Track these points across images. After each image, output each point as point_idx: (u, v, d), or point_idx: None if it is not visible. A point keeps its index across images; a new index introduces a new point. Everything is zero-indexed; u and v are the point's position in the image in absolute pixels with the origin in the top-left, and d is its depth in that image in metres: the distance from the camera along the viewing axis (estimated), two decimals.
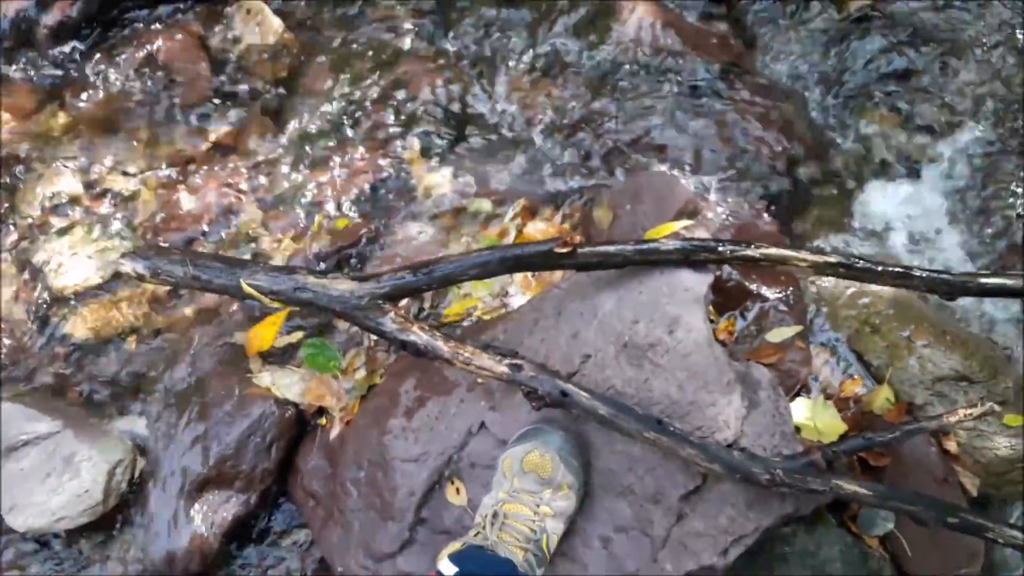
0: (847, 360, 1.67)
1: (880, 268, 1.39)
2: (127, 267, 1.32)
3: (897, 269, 1.39)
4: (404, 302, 1.61)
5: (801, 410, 1.57)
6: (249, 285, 1.30)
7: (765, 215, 1.77)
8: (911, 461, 1.56)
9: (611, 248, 1.33)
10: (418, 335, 1.28)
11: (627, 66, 1.90)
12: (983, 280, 1.37)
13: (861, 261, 1.38)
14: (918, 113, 1.90)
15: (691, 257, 1.35)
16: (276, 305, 1.31)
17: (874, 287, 1.67)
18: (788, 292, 1.67)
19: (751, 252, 1.35)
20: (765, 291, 1.67)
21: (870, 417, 1.61)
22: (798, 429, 1.52)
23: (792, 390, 1.60)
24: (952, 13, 2.00)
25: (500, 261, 1.30)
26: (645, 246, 1.34)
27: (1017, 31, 1.97)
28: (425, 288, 1.31)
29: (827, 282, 1.72)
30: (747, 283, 1.67)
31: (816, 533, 1.55)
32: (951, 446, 1.57)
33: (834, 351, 1.67)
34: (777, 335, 1.62)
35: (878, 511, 1.59)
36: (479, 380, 1.44)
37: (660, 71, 1.89)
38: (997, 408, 1.25)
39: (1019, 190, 1.79)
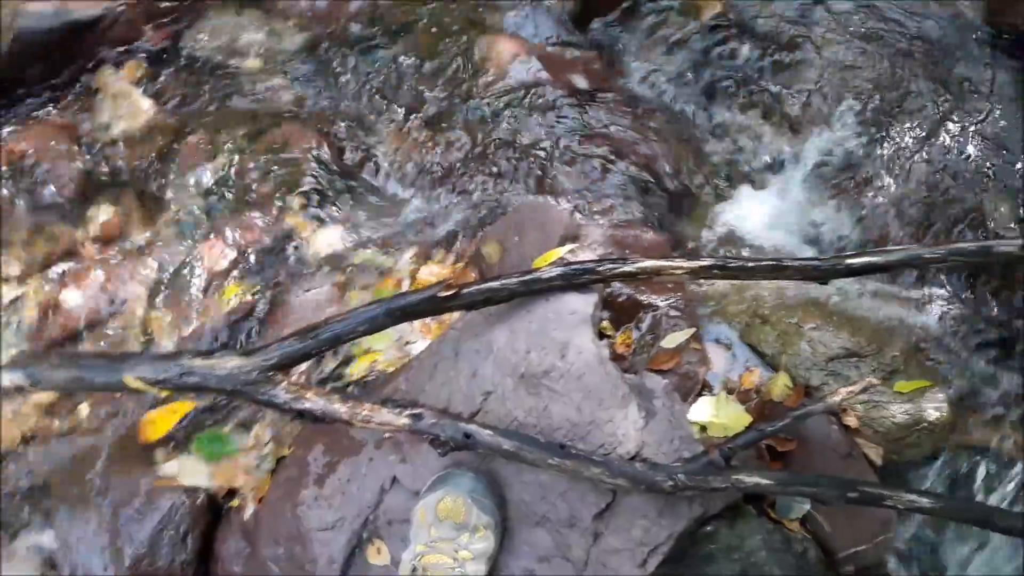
0: (742, 354, 1.73)
1: (752, 264, 1.46)
2: (7, 380, 1.28)
3: (769, 263, 1.46)
4: (304, 367, 1.60)
5: (706, 408, 1.61)
6: (135, 379, 1.27)
7: (647, 228, 1.83)
8: (816, 441, 1.62)
9: (495, 284, 1.36)
10: (313, 401, 1.28)
11: (499, 101, 1.95)
12: (850, 261, 1.45)
13: (734, 260, 1.45)
14: (779, 111, 2.00)
15: (573, 281, 1.39)
16: (164, 394, 1.29)
17: (757, 281, 1.75)
18: (678, 298, 1.73)
19: (628, 268, 1.40)
20: (656, 300, 1.72)
21: (772, 404, 1.67)
22: (704, 428, 1.57)
23: (693, 391, 1.65)
24: (801, 15, 2.11)
25: (387, 314, 1.31)
26: (528, 277, 1.37)
27: (857, 26, 2.10)
28: (316, 352, 1.31)
29: (714, 282, 1.78)
30: (638, 296, 1.72)
31: (737, 527, 1.58)
32: (851, 421, 1.64)
33: (729, 347, 1.73)
34: (672, 340, 1.68)
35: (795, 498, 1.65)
36: (386, 435, 1.44)
37: (531, 102, 1.95)
38: (876, 382, 1.32)
39: (876, 173, 1.90)
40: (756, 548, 1.57)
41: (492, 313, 1.42)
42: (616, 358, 1.69)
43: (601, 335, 1.71)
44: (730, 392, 1.68)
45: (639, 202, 1.88)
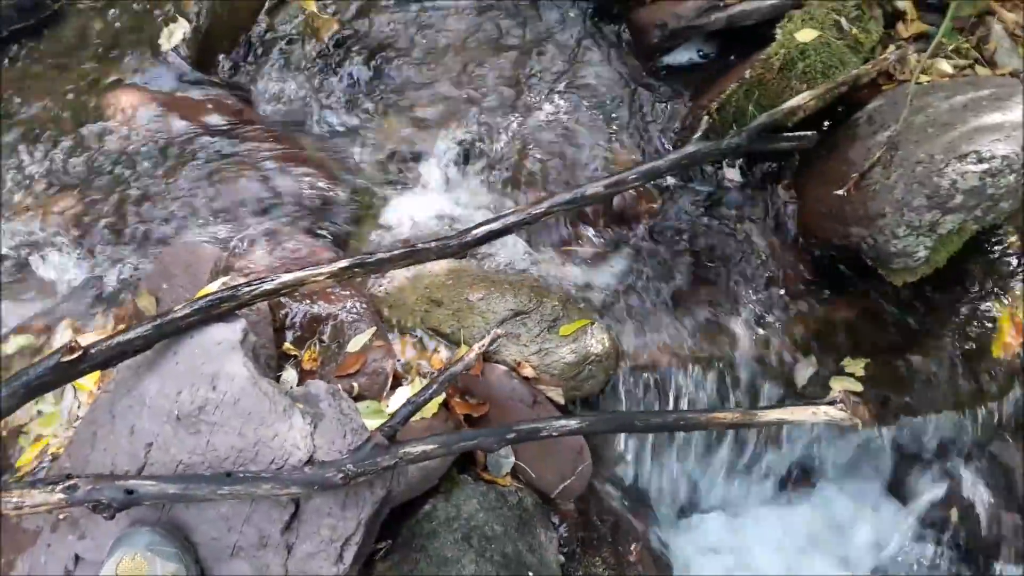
0: (427, 339, 1.83)
1: (389, 255, 1.56)
2: None
3: (405, 250, 1.57)
4: None
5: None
6: None
7: (317, 245, 1.89)
8: (503, 398, 1.75)
9: (127, 335, 1.34)
10: None
11: (132, 152, 1.93)
12: (474, 231, 1.60)
13: (371, 256, 1.54)
14: (412, 110, 2.15)
15: (211, 312, 1.41)
16: None
17: (427, 269, 1.86)
18: (355, 303, 1.80)
19: (267, 286, 1.44)
20: (334, 310, 1.78)
21: (466, 378, 1.78)
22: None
23: (386, 384, 1.72)
24: (412, 21, 2.27)
25: (10, 396, 1.26)
26: (159, 320, 1.37)
27: (465, 24, 2.29)
28: None
29: (390, 281, 1.87)
30: (315, 310, 1.77)
31: (453, 497, 1.68)
32: (528, 372, 1.78)
33: (413, 335, 1.83)
34: (355, 344, 1.74)
35: (499, 455, 1.77)
36: (60, 517, 1.38)
37: (167, 147, 1.95)
38: (501, 332, 1.46)
39: (501, 149, 2.09)
40: (474, 512, 1.67)
41: (140, 364, 1.41)
42: (306, 373, 1.73)
43: (286, 355, 1.74)
44: (423, 376, 1.78)
45: (305, 221, 1.94)
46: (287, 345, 1.75)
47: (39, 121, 2.02)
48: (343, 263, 1.52)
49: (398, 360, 1.78)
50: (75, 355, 1.28)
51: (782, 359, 1.80)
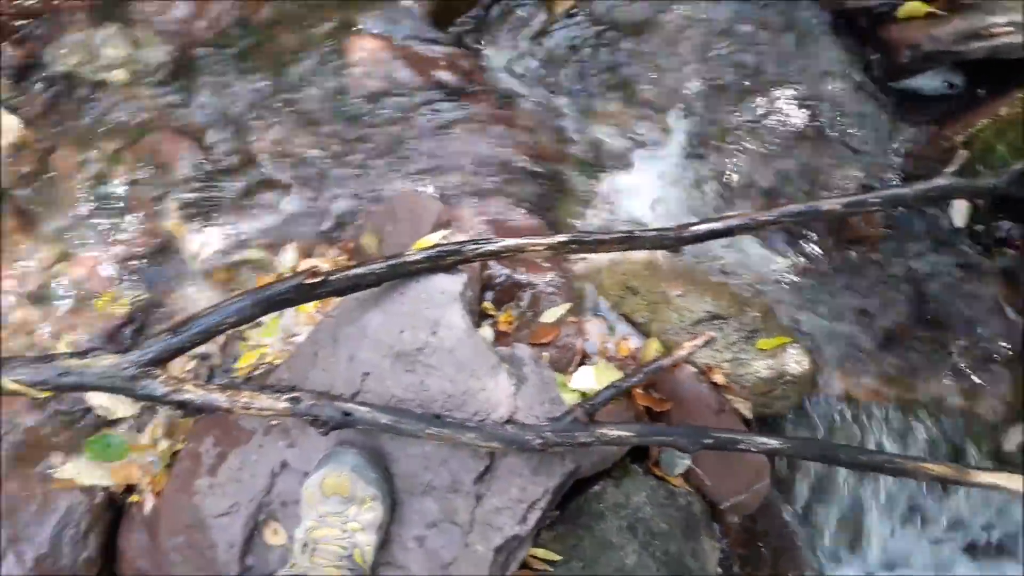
0: (617, 324, 1.84)
1: (607, 237, 1.56)
2: None
3: (621, 235, 1.57)
4: (192, 366, 1.63)
5: (587, 377, 1.71)
6: (12, 382, 1.29)
7: (520, 212, 1.93)
8: (689, 401, 1.73)
9: (362, 269, 1.42)
10: (192, 392, 1.32)
11: (367, 97, 2.02)
12: (694, 228, 1.57)
13: (588, 235, 1.55)
14: (636, 95, 2.14)
15: (439, 263, 1.47)
16: (45, 395, 1.31)
17: (627, 255, 1.86)
18: (554, 276, 1.83)
19: (491, 247, 1.49)
20: (534, 279, 1.82)
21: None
22: (585, 395, 1.67)
23: (573, 361, 1.75)
24: (648, 5, 2.26)
25: (255, 304, 1.36)
26: (394, 261, 1.44)
27: (703, 14, 2.25)
28: (190, 345, 1.35)
29: (588, 259, 1.89)
30: (517, 276, 1.82)
31: (624, 485, 1.69)
32: (719, 378, 1.76)
33: (604, 318, 1.84)
34: (551, 315, 1.77)
35: (675, 453, 1.76)
36: (272, 423, 1.49)
37: (398, 97, 2.03)
38: (714, 335, 1.44)
39: (727, 147, 2.05)
40: (642, 504, 1.68)
41: (366, 298, 1.49)
42: (500, 335, 1.78)
43: (483, 315, 1.80)
44: (608, 360, 1.79)
45: (511, 187, 1.98)
46: (486, 304, 1.80)
47: (287, 54, 2.15)
48: (562, 237, 1.54)
49: (587, 339, 1.80)
50: (316, 279, 1.37)
51: (992, 419, 1.69)
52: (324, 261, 1.80)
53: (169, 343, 1.32)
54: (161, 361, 1.33)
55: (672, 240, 1.57)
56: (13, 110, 2.00)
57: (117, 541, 1.58)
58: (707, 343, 1.45)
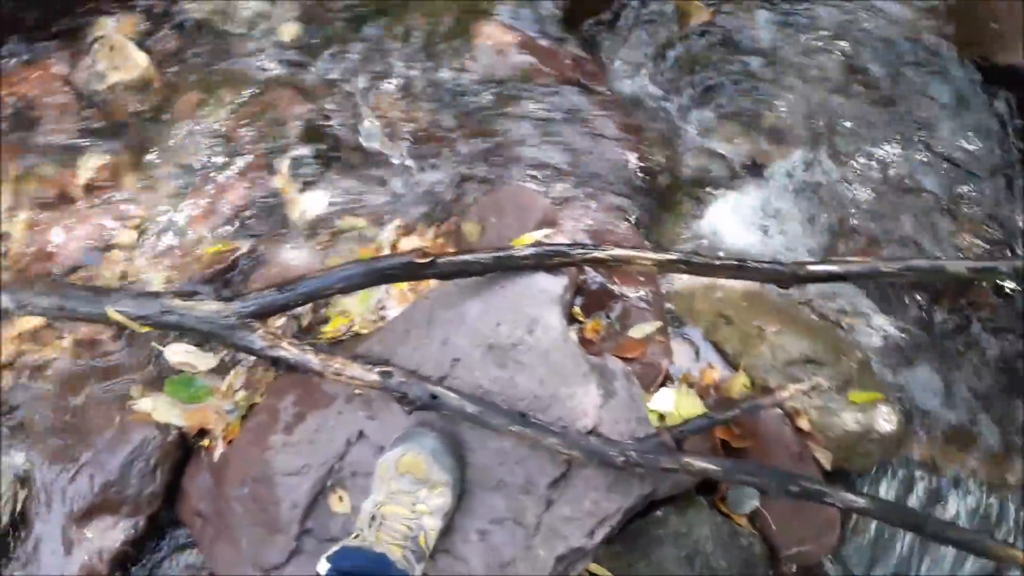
0: (705, 351, 1.79)
1: (717, 262, 1.52)
2: None
3: (733, 263, 1.53)
4: (282, 323, 1.64)
5: (667, 399, 1.67)
6: (116, 312, 1.32)
7: (623, 222, 1.89)
8: (769, 440, 1.68)
9: (470, 257, 1.41)
10: (288, 350, 1.33)
11: (488, 85, 2.01)
12: (811, 267, 1.52)
13: (699, 257, 1.51)
14: (759, 121, 2.08)
15: (545, 262, 1.45)
16: (144, 330, 1.34)
17: (725, 282, 1.81)
18: (648, 291, 1.79)
19: (599, 254, 1.46)
20: (627, 291, 1.78)
21: (730, 402, 1.74)
22: (662, 417, 1.63)
23: (655, 381, 1.71)
24: (783, 30, 2.20)
25: (364, 274, 1.37)
26: (501, 253, 1.43)
27: (841, 46, 2.18)
28: (292, 304, 1.37)
29: (683, 280, 1.85)
30: (610, 285, 1.78)
31: (687, 515, 1.65)
32: (804, 424, 1.70)
33: (693, 343, 1.80)
34: (639, 331, 1.74)
35: (745, 491, 1.71)
36: (356, 391, 1.49)
37: (517, 90, 2.01)
38: (823, 383, 1.38)
39: (844, 188, 1.98)
40: (704, 537, 1.63)
41: (466, 286, 1.48)
42: (584, 342, 1.75)
43: (572, 319, 1.77)
44: (690, 386, 1.75)
45: (616, 196, 1.94)
46: (575, 309, 1.77)
47: (415, 30, 2.15)
48: (672, 255, 1.50)
49: (672, 361, 1.76)
50: (425, 261, 1.37)
51: None
52: (423, 241, 1.80)
53: (274, 299, 1.33)
54: (262, 315, 1.35)
55: (786, 276, 1.52)
56: (145, 48, 2.04)
57: (182, 481, 1.60)
58: (813, 390, 1.39)
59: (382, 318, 1.69)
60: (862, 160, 2.01)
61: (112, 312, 1.31)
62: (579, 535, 1.35)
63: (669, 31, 2.20)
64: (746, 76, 2.17)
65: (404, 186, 1.90)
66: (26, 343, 1.66)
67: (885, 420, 1.68)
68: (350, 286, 1.38)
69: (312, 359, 1.33)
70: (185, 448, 1.60)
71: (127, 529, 1.54)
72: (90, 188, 1.89)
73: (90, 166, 1.92)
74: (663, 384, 1.73)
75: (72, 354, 1.65)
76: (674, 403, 1.67)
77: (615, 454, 1.31)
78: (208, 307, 1.32)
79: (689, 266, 1.52)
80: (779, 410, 1.69)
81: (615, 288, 1.79)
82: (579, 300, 1.79)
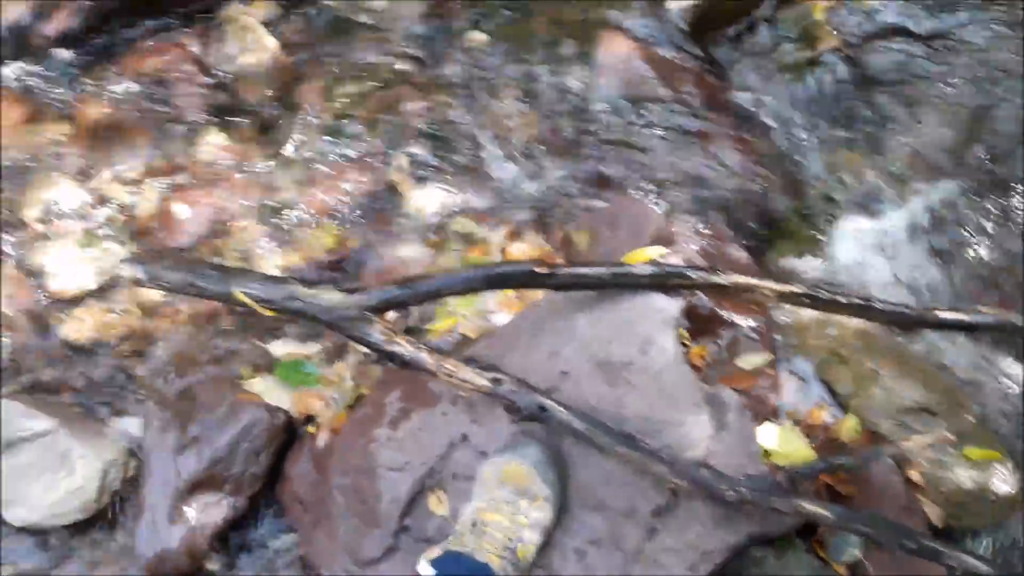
0: (815, 388, 1.73)
1: (843, 300, 1.47)
2: (127, 272, 1.37)
3: (859, 301, 1.48)
4: (391, 316, 1.66)
5: (770, 435, 1.61)
6: (243, 293, 1.35)
7: (736, 246, 1.84)
8: (877, 489, 1.61)
9: (588, 271, 1.40)
10: (404, 347, 1.34)
11: (607, 95, 1.99)
12: (940, 314, 1.46)
13: (825, 292, 1.46)
14: (885, 154, 2.00)
15: (664, 283, 1.42)
16: (268, 313, 1.36)
17: (841, 319, 1.74)
18: (759, 321, 1.74)
19: (720, 280, 1.43)
20: (737, 319, 1.73)
21: (838, 445, 1.67)
22: (767, 454, 1.58)
23: (761, 415, 1.65)
24: (916, 62, 2.11)
25: (485, 279, 1.36)
26: (620, 270, 1.41)
27: (979, 84, 2.08)
28: (412, 302, 1.37)
29: (796, 313, 1.78)
30: (720, 311, 1.73)
31: (785, 558, 1.59)
32: (915, 476, 1.62)
33: (802, 379, 1.73)
34: (748, 362, 1.69)
35: (847, 539, 1.64)
36: (462, 394, 1.49)
37: (637, 102, 1.98)
38: (950, 437, 1.31)
39: (975, 235, 1.89)
40: None
41: (578, 298, 1.46)
42: (691, 367, 1.71)
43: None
44: (796, 424, 1.69)
45: (733, 219, 1.90)
46: (682, 331, 1.73)
47: (538, 33, 2.14)
48: (797, 288, 1.46)
49: (780, 397, 1.70)
50: (545, 271, 1.35)
51: None
52: (531, 247, 1.79)
53: (395, 295, 1.34)
54: (381, 309, 1.36)
55: (912, 320, 1.47)
56: (275, 34, 2.09)
57: (284, 465, 1.63)
58: (937, 441, 1.33)
59: (487, 322, 1.68)
60: (996, 206, 1.91)
61: (239, 293, 1.34)
62: (680, 567, 1.31)
63: (797, 52, 2.13)
64: (874, 107, 2.09)
65: (515, 190, 1.90)
66: (146, 315, 1.72)
67: (1002, 481, 1.59)
68: (468, 289, 1.38)
69: (426, 358, 1.34)
70: (290, 432, 1.63)
71: (229, 507, 1.58)
72: (213, 166, 1.95)
73: (215, 144, 1.98)
74: (767, 419, 1.68)
75: (189, 330, 1.70)
76: (777, 440, 1.61)
77: (726, 489, 1.27)
78: (331, 297, 1.34)
79: (813, 300, 1.48)
80: (890, 460, 1.62)
81: (725, 315, 1.74)
82: (686, 323, 1.76)
